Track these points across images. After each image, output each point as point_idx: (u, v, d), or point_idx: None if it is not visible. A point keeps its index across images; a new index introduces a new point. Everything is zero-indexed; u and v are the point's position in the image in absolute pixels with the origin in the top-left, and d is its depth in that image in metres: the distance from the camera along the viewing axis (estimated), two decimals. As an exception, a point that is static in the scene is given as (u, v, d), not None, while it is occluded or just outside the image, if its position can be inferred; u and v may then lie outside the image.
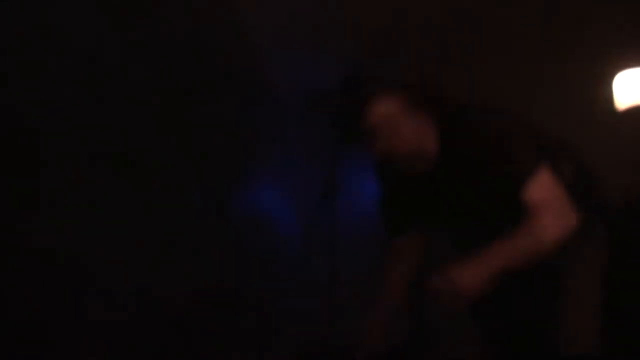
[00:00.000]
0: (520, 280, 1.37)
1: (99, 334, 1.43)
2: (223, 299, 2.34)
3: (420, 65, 3.93)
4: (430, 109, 1.33)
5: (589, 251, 1.48)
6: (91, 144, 1.46)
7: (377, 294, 1.65)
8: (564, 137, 1.62)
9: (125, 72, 1.66)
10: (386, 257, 1.63)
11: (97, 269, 1.45)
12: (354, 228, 3.76)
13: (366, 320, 1.57)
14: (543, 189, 1.24)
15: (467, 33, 3.55)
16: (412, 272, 1.59)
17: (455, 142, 1.31)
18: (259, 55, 3.26)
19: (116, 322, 1.51)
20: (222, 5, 2.63)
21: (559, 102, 3.50)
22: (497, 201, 1.31)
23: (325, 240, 2.86)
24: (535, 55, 3.66)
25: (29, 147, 1.25)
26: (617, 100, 2.55)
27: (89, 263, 1.41)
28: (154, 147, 1.82)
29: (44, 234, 1.26)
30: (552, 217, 1.23)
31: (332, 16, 3.31)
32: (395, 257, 1.59)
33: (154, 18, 1.89)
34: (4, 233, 1.15)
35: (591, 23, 2.90)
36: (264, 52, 3.33)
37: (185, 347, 1.95)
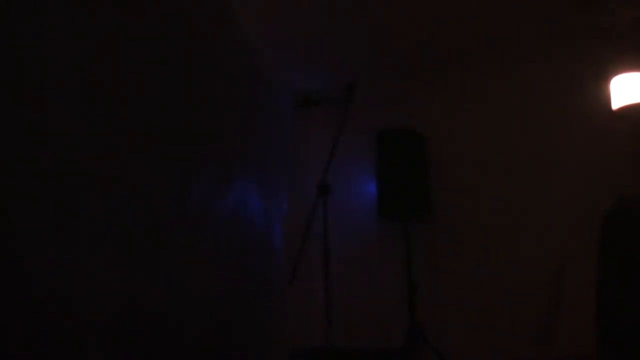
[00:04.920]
0: None
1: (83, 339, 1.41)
2: (220, 299, 2.33)
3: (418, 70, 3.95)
4: None
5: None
6: (84, 144, 1.44)
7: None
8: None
9: (122, 73, 1.64)
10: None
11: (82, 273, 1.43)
12: (344, 226, 3.76)
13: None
14: None
15: (465, 34, 3.56)
16: None
17: None
18: (257, 57, 3.26)
19: (103, 327, 1.49)
20: (219, 11, 2.62)
21: (559, 103, 3.52)
22: None
23: (321, 238, 2.85)
24: (535, 57, 3.68)
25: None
26: (613, 103, 2.56)
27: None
28: (147, 147, 1.80)
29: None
30: None
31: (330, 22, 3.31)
32: None
33: (151, 21, 1.88)
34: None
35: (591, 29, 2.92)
36: (260, 53, 3.32)
37: (183, 348, 1.93)
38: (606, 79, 2.88)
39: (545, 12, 3.25)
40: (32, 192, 1.22)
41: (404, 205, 3.52)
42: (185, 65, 2.15)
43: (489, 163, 3.67)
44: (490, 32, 3.51)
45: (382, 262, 3.79)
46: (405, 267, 3.45)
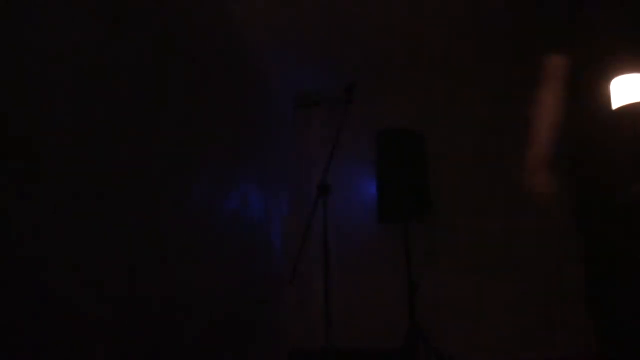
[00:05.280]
0: None
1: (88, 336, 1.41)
2: (220, 300, 2.33)
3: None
4: None
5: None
6: (83, 145, 1.44)
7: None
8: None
9: (122, 73, 1.64)
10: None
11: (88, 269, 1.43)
12: (343, 226, 3.77)
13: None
14: None
15: (465, 34, 3.56)
16: None
17: None
18: (257, 57, 3.26)
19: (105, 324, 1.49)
20: (219, 11, 2.62)
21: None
22: None
23: (319, 240, 2.85)
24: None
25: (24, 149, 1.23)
26: (613, 103, 2.56)
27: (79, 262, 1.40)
28: (147, 147, 1.80)
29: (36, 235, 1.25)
30: None
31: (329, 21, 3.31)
32: None
33: (149, 20, 1.88)
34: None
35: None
36: (260, 54, 3.32)
37: (183, 348, 1.93)
38: (606, 79, 2.87)
39: (545, 13, 3.25)
40: (32, 192, 1.22)
41: (404, 205, 3.52)
42: (185, 65, 2.15)
43: (489, 163, 3.67)
44: (490, 32, 3.52)
45: (382, 262, 3.79)
46: (405, 267, 3.45)
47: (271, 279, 3.22)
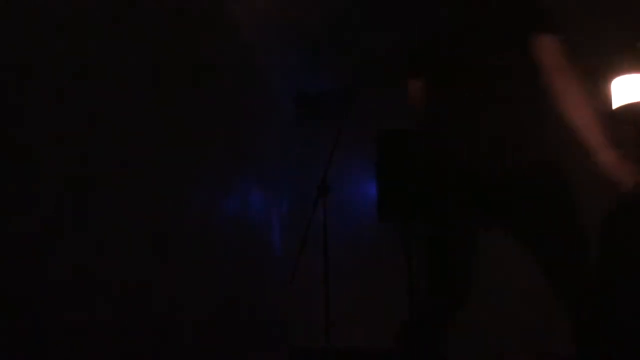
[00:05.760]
0: None
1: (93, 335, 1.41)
2: (220, 300, 2.33)
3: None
4: None
5: None
6: (83, 145, 1.44)
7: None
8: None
9: (120, 72, 1.64)
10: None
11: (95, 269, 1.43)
12: (343, 227, 3.76)
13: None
14: None
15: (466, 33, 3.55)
16: None
17: None
18: (257, 57, 3.25)
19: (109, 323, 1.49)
20: (219, 9, 2.62)
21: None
22: None
23: (319, 240, 2.85)
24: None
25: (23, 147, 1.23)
26: (613, 103, 2.56)
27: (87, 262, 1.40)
28: (148, 148, 1.80)
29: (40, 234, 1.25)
30: None
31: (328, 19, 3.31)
32: None
33: (150, 19, 1.87)
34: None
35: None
36: (260, 54, 3.32)
37: (184, 348, 1.93)
38: (606, 79, 2.87)
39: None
40: (32, 192, 1.22)
41: (404, 205, 3.52)
42: (185, 67, 2.15)
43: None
44: (489, 29, 3.51)
45: (382, 262, 3.79)
46: (405, 267, 3.45)
47: (271, 279, 3.21)
